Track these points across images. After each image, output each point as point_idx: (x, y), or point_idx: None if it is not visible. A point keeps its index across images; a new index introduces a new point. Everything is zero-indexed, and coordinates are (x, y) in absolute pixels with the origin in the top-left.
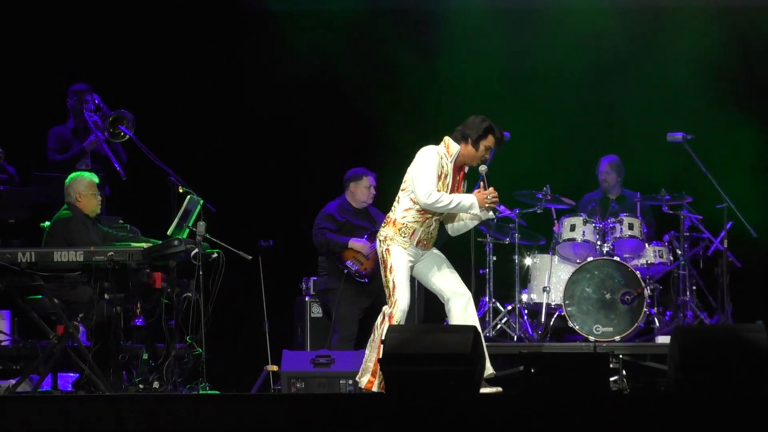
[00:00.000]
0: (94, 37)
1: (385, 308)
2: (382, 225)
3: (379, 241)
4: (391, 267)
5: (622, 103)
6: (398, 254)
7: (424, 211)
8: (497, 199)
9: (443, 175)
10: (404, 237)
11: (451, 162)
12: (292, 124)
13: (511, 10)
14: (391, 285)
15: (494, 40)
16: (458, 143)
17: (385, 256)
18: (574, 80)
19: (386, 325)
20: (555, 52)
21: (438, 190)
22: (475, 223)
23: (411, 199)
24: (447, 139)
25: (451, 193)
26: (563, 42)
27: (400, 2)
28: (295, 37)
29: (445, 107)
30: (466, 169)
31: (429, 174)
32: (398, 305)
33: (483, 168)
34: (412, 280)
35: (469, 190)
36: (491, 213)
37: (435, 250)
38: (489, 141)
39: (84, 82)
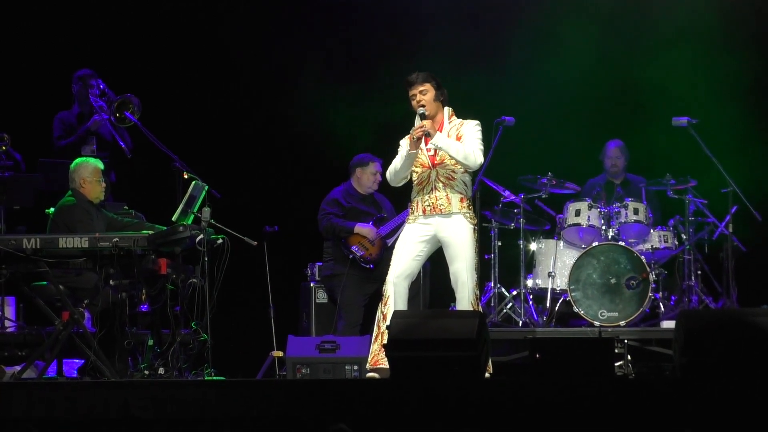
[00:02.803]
0: (100, 22)
1: None
2: None
3: None
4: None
5: (627, 87)
6: (405, 232)
7: (419, 180)
8: (418, 132)
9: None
10: (413, 211)
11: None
12: (298, 109)
13: None
14: None
15: (499, 24)
16: None
17: None
18: (578, 64)
19: (382, 306)
20: (559, 37)
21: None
22: (446, 152)
23: (411, 181)
24: None
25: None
26: (567, 27)
27: None
28: (302, 21)
29: (452, 96)
30: (446, 120)
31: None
32: (387, 279)
33: (419, 110)
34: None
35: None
36: (433, 141)
37: (456, 232)
38: (409, 93)
39: (89, 67)
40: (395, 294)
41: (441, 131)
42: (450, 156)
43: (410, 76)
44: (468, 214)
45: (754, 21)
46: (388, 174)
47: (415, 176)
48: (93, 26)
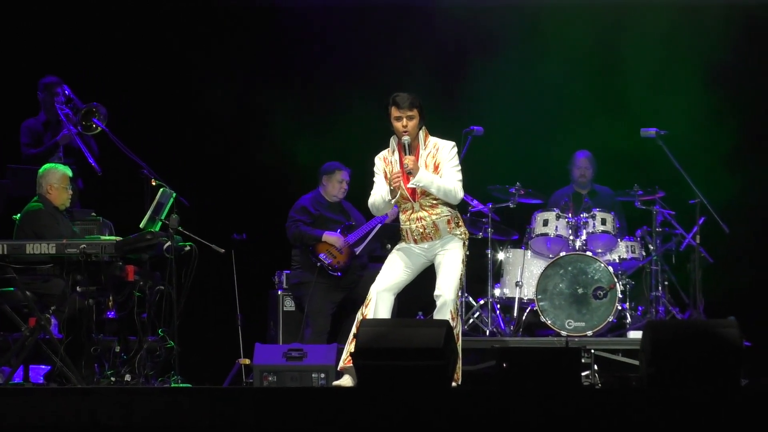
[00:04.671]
0: (65, 29)
1: None
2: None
3: None
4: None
5: (595, 97)
6: (400, 246)
7: (403, 209)
8: (407, 166)
9: (388, 172)
10: (403, 238)
11: (392, 152)
12: (266, 117)
13: (488, 7)
14: None
15: (467, 35)
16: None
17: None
18: (547, 75)
19: (363, 308)
20: (527, 48)
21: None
22: (428, 190)
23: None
24: None
25: (405, 177)
26: (535, 38)
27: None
28: (271, 31)
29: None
30: (422, 145)
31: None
32: (373, 284)
33: (404, 139)
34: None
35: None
36: (414, 179)
37: (448, 246)
38: (393, 112)
39: (55, 74)
40: (378, 300)
41: (418, 158)
42: (431, 193)
43: (399, 96)
44: (457, 231)
45: (721, 32)
46: (370, 207)
47: (400, 205)
48: (59, 32)
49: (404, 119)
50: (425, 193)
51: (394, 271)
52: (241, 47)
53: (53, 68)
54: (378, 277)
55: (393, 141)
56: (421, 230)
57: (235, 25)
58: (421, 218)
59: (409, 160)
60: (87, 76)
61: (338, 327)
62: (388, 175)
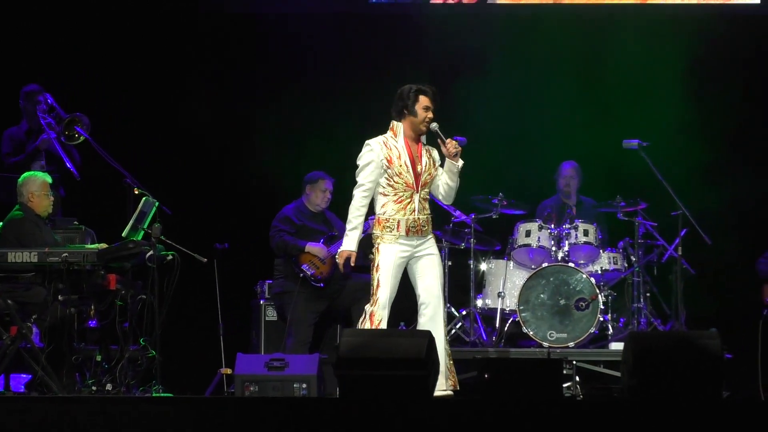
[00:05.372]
0: (49, 37)
1: (367, 306)
2: (372, 226)
3: (373, 243)
4: (377, 266)
5: (578, 109)
6: (386, 252)
7: (398, 199)
8: (457, 146)
9: (393, 157)
10: (391, 231)
11: (399, 140)
12: (249, 126)
13: (470, 14)
14: (375, 283)
15: (447, 43)
16: (399, 120)
17: (374, 254)
18: (529, 86)
19: (366, 324)
20: (510, 59)
21: (394, 176)
22: (454, 177)
23: (381, 193)
24: (392, 123)
25: (414, 165)
26: (518, 47)
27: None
28: (256, 41)
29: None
30: (424, 139)
31: (361, 171)
32: (378, 302)
33: (434, 125)
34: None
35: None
36: (459, 162)
37: (432, 250)
38: (423, 101)
39: (38, 82)
40: (386, 318)
41: (421, 153)
42: (450, 185)
43: (430, 87)
44: (433, 232)
45: (703, 42)
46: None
47: (393, 194)
48: (41, 41)
49: (431, 112)
50: (426, 185)
51: (395, 282)
52: (226, 57)
53: (35, 76)
54: (383, 291)
55: (399, 127)
56: (416, 222)
57: (220, 34)
58: (416, 210)
59: (454, 142)
60: (70, 85)
61: (320, 337)
62: (393, 161)
